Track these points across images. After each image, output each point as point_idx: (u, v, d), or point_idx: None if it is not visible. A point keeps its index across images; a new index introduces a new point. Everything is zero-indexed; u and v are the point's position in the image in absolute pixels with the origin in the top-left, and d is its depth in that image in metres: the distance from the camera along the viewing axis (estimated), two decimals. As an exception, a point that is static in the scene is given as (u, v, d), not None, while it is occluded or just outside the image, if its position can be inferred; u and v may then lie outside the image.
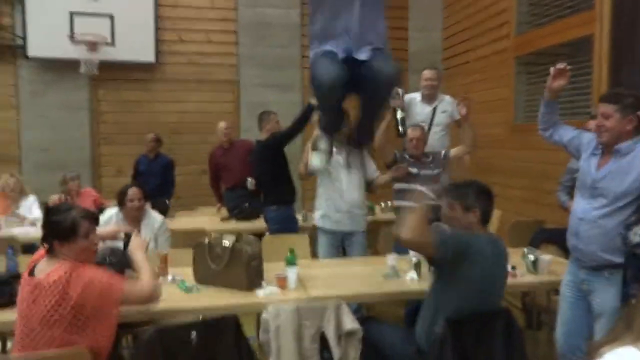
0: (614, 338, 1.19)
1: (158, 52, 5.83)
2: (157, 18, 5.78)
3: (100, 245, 2.37)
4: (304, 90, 6.14)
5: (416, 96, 4.21)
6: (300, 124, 3.67)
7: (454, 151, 3.53)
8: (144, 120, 5.92)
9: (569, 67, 2.40)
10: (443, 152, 3.53)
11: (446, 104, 4.13)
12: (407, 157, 3.54)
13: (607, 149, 2.21)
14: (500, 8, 5.02)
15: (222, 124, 4.96)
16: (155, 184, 5.14)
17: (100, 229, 2.25)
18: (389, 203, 4.96)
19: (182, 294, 2.46)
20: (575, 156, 2.45)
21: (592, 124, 2.69)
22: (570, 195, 3.04)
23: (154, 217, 3.28)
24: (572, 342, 2.34)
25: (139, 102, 5.93)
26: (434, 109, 4.09)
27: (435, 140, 4.00)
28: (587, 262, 2.23)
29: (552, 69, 2.38)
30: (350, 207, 3.40)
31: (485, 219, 2.21)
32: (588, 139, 2.35)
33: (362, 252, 3.49)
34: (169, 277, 2.65)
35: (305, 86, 6.14)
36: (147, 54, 5.76)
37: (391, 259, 2.74)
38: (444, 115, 4.07)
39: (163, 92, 5.99)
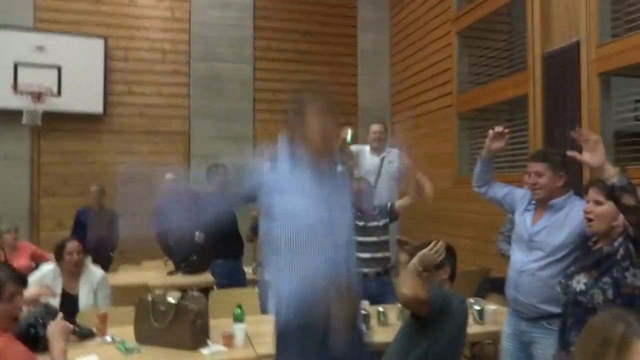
0: None
1: (106, 103, 5.75)
2: (107, 70, 5.74)
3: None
4: (255, 142, 6.19)
5: (365, 148, 4.35)
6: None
7: (399, 203, 3.60)
8: (89, 172, 5.73)
9: (507, 127, 2.53)
10: (389, 204, 3.59)
11: (394, 155, 4.25)
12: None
13: (541, 204, 2.31)
14: (443, 68, 5.33)
15: (168, 176, 4.85)
16: (100, 236, 4.94)
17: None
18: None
19: (121, 356, 2.32)
20: (509, 211, 2.56)
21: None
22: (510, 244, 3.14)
23: (94, 271, 3.13)
24: None
25: (84, 152, 5.77)
26: (382, 160, 4.21)
27: (384, 189, 4.08)
28: (527, 314, 2.28)
29: (491, 132, 2.49)
30: None
31: (453, 276, 2.24)
32: (521, 194, 2.47)
33: None
34: (108, 338, 2.50)
35: (257, 139, 6.20)
36: (95, 105, 5.66)
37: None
38: (391, 166, 4.19)
39: (111, 143, 5.86)
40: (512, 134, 4.49)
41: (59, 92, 5.44)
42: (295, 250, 1.73)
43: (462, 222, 4.94)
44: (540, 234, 2.26)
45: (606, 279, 1.85)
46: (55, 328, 1.96)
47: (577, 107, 3.53)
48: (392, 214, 3.49)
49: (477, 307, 2.73)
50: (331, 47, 6.54)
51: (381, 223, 3.43)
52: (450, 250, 2.23)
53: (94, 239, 4.85)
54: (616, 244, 1.88)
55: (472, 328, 2.68)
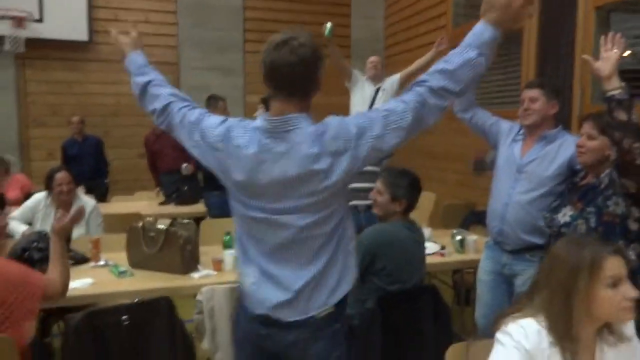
0: (517, 309, 1.29)
1: (92, 31, 5.56)
2: (91, -6, 5.51)
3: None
4: (246, 74, 6.08)
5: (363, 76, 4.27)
6: None
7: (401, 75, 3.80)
8: (77, 102, 5.66)
9: (501, 62, 2.47)
10: None
11: (385, 83, 4.17)
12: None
13: (531, 134, 2.30)
14: (439, -1, 5.17)
15: None
16: (90, 166, 5.00)
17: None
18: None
19: (114, 278, 2.41)
20: (491, 143, 2.52)
21: None
22: None
23: (85, 201, 3.17)
24: (489, 322, 2.46)
25: (71, 82, 5.66)
26: (377, 90, 4.16)
27: None
28: (511, 245, 2.32)
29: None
30: None
31: (409, 210, 2.29)
32: (508, 126, 2.46)
33: None
34: (101, 262, 2.58)
35: (246, 71, 6.08)
36: (79, 32, 5.49)
37: None
38: (382, 94, 4.12)
39: (98, 73, 5.74)
40: (503, 69, 4.46)
41: (41, 18, 5.25)
42: None
43: (450, 157, 4.99)
44: (530, 165, 2.25)
45: (590, 209, 1.87)
46: (57, 225, 1.98)
47: (571, 42, 3.48)
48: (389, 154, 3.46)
49: (458, 237, 2.83)
50: (325, -25, 6.28)
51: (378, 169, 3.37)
52: (415, 188, 2.27)
53: (85, 169, 4.90)
54: (603, 175, 1.89)
55: (453, 257, 2.80)
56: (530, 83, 2.38)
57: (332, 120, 1.38)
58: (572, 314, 1.20)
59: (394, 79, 4.16)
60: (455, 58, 1.34)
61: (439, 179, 5.13)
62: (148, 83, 1.63)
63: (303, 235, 1.41)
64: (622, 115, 1.70)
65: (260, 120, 1.42)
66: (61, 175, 3.01)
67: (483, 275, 2.47)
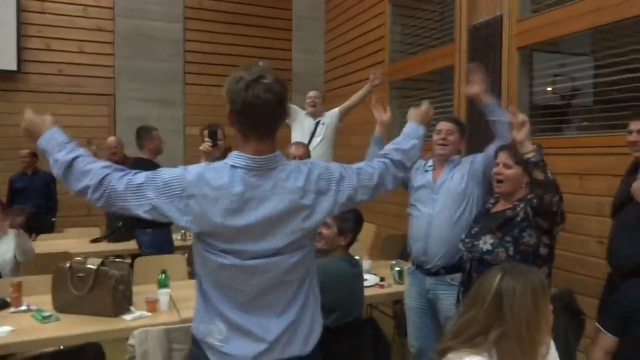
0: (466, 344, 1.30)
1: (21, 60, 5.32)
2: (20, 23, 5.29)
3: None
4: (186, 106, 6.00)
5: (302, 111, 4.36)
6: None
7: (339, 109, 3.81)
8: (5, 135, 5.34)
9: (435, 97, 2.69)
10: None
11: (325, 117, 4.28)
12: None
13: (439, 164, 2.62)
14: (377, 36, 5.37)
15: (111, 140, 4.68)
16: (38, 201, 4.77)
17: None
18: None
19: (37, 324, 2.25)
20: (406, 187, 2.78)
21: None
22: None
23: (10, 232, 3.00)
24: (426, 346, 2.59)
25: (-2, 114, 5.35)
26: (317, 124, 4.25)
27: (316, 150, 4.13)
28: (432, 265, 2.49)
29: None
30: None
31: (352, 243, 2.35)
32: (414, 167, 2.72)
33: None
34: (23, 306, 2.40)
35: (187, 103, 6.00)
36: (8, 62, 5.24)
37: None
38: (322, 128, 4.23)
39: (27, 104, 5.43)
40: (439, 103, 4.66)
41: (-35, 46, 4.98)
42: None
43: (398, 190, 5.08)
44: (443, 186, 2.54)
45: (508, 238, 2.05)
46: None
47: (497, 79, 3.69)
48: None
49: (397, 269, 2.87)
50: (266, 10, 6.38)
51: None
52: (360, 223, 2.36)
53: (31, 204, 4.68)
54: (518, 209, 2.08)
55: (393, 288, 2.83)
56: (447, 118, 2.71)
57: (318, 162, 1.47)
58: (537, 340, 1.26)
59: (334, 113, 4.27)
60: (404, 144, 1.70)
61: (380, 211, 5.22)
62: (74, 159, 1.40)
63: (279, 281, 1.40)
64: (539, 175, 1.91)
65: (236, 159, 1.37)
66: None
67: (410, 302, 2.63)
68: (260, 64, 1.40)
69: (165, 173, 1.38)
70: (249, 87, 1.31)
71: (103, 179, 1.35)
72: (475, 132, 3.88)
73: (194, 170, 1.38)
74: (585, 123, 3.49)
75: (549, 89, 3.71)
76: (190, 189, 1.34)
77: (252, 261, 1.37)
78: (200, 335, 1.44)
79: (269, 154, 1.37)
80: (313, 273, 1.50)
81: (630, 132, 2.34)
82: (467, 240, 2.18)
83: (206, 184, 1.34)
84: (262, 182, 1.35)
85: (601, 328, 2.01)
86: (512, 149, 2.11)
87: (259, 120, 1.35)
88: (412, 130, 1.78)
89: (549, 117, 3.55)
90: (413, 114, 1.86)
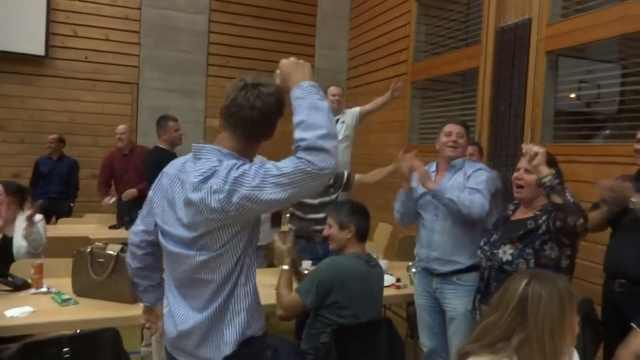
0: (486, 350, 1.28)
1: (49, 46, 5.41)
2: (50, 9, 5.37)
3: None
4: (208, 98, 6.04)
5: None
6: None
7: (360, 177, 3.48)
8: (29, 118, 5.45)
9: (457, 98, 2.65)
10: (346, 174, 3.44)
11: (345, 115, 4.24)
12: None
13: (441, 168, 2.62)
14: (401, 35, 5.34)
15: (120, 127, 4.71)
16: (59, 186, 4.88)
17: None
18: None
19: (56, 306, 2.28)
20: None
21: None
22: None
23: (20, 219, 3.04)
24: (435, 343, 2.61)
25: (23, 97, 5.44)
26: (336, 121, 4.21)
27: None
28: (439, 269, 2.50)
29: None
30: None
31: (361, 235, 2.32)
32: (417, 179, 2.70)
33: (260, 264, 3.46)
34: (43, 288, 2.44)
35: (208, 94, 6.04)
36: (36, 47, 5.32)
37: (306, 263, 2.81)
38: (342, 127, 4.19)
39: (53, 89, 5.56)
40: (462, 105, 4.62)
41: (-5, 30, 5.08)
42: None
43: (408, 189, 5.06)
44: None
45: (529, 250, 2.00)
46: None
47: (523, 83, 3.65)
48: (347, 185, 3.44)
49: (413, 270, 2.85)
50: (290, 4, 6.38)
51: (333, 197, 3.32)
52: (358, 211, 2.33)
53: (52, 189, 4.77)
54: (540, 220, 2.03)
55: (408, 289, 2.82)
56: (455, 121, 2.65)
57: (229, 162, 1.34)
58: (560, 349, 1.23)
59: (354, 112, 4.23)
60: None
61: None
62: None
63: (193, 276, 1.41)
64: (557, 199, 1.85)
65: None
66: None
67: (419, 300, 2.66)
68: (276, 73, 1.42)
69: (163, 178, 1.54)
70: (244, 87, 1.38)
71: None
72: (497, 136, 3.86)
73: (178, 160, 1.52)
74: (607, 131, 3.43)
75: (572, 95, 3.65)
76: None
77: (173, 247, 1.44)
78: None
79: (209, 146, 1.40)
80: (244, 280, 1.43)
81: (639, 141, 2.30)
82: (485, 248, 2.15)
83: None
84: (190, 167, 1.41)
85: (636, 327, 1.97)
86: (461, 122, 2.17)
87: (232, 119, 1.40)
88: (298, 96, 1.34)
89: (574, 124, 3.50)
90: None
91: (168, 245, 1.46)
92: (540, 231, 2.01)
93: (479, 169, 2.54)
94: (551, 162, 2.01)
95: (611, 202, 2.26)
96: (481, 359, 1.25)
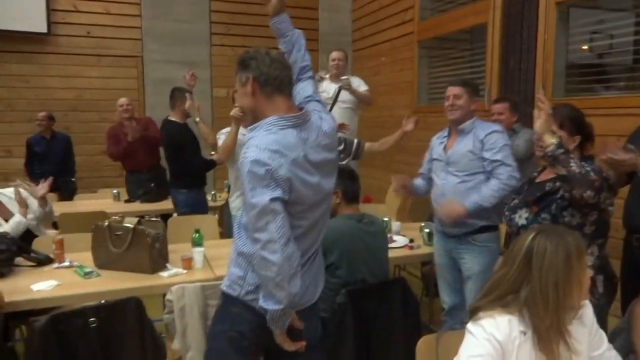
0: (496, 303, 1.30)
1: (50, 23, 5.36)
2: (49, -16, 5.30)
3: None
4: (212, 67, 5.98)
5: (325, 75, 4.29)
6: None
7: (369, 146, 3.52)
8: (35, 97, 5.46)
9: (465, 56, 2.57)
10: (356, 142, 3.50)
11: (352, 81, 4.19)
12: None
13: (453, 132, 2.58)
14: (405, -7, 5.21)
15: (123, 100, 4.63)
16: (56, 164, 4.82)
17: None
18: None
19: (80, 279, 2.34)
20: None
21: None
22: None
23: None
24: (456, 299, 2.66)
25: (28, 76, 5.44)
26: (339, 87, 4.17)
27: (339, 114, 4.03)
28: (453, 232, 2.52)
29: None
30: None
31: (348, 198, 2.33)
32: (432, 145, 2.73)
33: None
34: (66, 262, 2.50)
35: (213, 64, 5.98)
36: (37, 24, 5.27)
37: None
38: (346, 93, 4.15)
39: (57, 66, 5.54)
40: (469, 62, 4.54)
41: (-4, 8, 5.03)
42: None
43: (417, 151, 5.02)
44: (453, 157, 2.51)
45: (545, 215, 1.90)
46: None
47: (533, 36, 3.57)
48: (357, 154, 3.45)
49: (426, 230, 2.88)
50: (291, -33, 6.22)
51: (344, 163, 3.32)
52: (344, 175, 2.28)
53: (52, 168, 4.75)
54: (558, 182, 1.89)
55: (422, 249, 2.85)
56: (454, 82, 2.61)
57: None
58: (564, 303, 1.23)
59: (357, 82, 4.17)
60: None
61: (408, 173, 5.18)
62: None
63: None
64: (561, 170, 1.77)
65: (289, 120, 1.47)
66: None
67: (438, 259, 2.70)
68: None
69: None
70: (267, 54, 1.51)
71: None
72: (507, 92, 3.80)
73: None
74: (622, 83, 3.36)
75: (584, 47, 3.56)
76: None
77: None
78: None
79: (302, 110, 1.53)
80: (240, 230, 1.60)
81: None
82: (506, 213, 2.07)
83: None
84: (304, 133, 1.49)
85: None
86: (555, 112, 1.92)
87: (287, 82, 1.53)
88: None
89: (586, 77, 3.43)
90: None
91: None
92: (559, 195, 1.88)
93: (492, 131, 2.45)
94: (572, 118, 1.92)
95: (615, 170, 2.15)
96: (491, 313, 1.27)
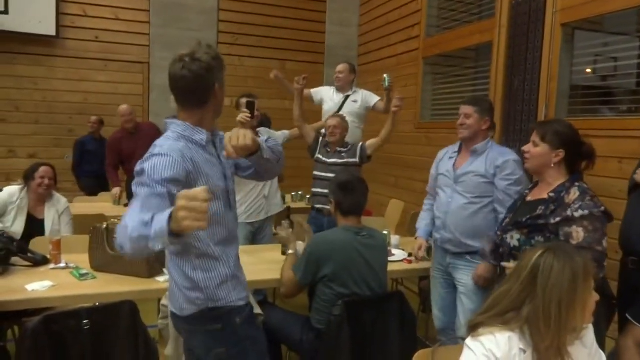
0: (495, 320, 1.29)
1: (59, 26, 5.41)
2: (59, -12, 5.37)
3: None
4: (219, 76, 6.01)
5: (331, 87, 4.34)
6: None
7: (370, 143, 3.56)
8: (42, 98, 5.49)
9: (469, 74, 2.58)
10: (360, 144, 3.56)
11: (358, 95, 4.24)
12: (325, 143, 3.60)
13: (466, 147, 2.55)
14: (413, 9, 5.25)
15: (124, 108, 4.62)
16: (102, 165, 4.93)
17: None
18: (299, 193, 5.06)
19: (75, 281, 2.34)
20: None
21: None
22: None
23: (58, 198, 3.14)
24: (447, 317, 2.65)
25: (36, 78, 5.48)
26: (345, 98, 4.21)
27: None
28: (453, 250, 2.53)
29: None
30: (269, 195, 3.46)
31: (342, 210, 2.34)
32: (439, 158, 2.73)
33: (270, 239, 3.51)
34: (62, 264, 2.50)
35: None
36: (47, 27, 5.33)
37: (300, 245, 2.79)
38: (354, 105, 4.19)
39: (65, 70, 5.58)
40: (473, 81, 4.56)
41: (6, 10, 5.08)
42: None
43: (419, 166, 5.05)
44: (464, 177, 2.48)
45: (538, 238, 1.89)
46: None
47: (538, 56, 3.59)
48: (362, 155, 3.49)
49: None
50: (301, -20, 6.30)
51: (342, 160, 3.46)
52: (340, 188, 2.35)
53: (99, 166, 4.95)
54: (548, 211, 1.88)
55: (420, 264, 2.84)
56: (466, 101, 2.59)
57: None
58: (566, 324, 1.21)
59: (363, 95, 4.22)
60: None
61: (407, 188, 5.20)
62: None
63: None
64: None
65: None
66: (45, 169, 3.01)
67: (435, 273, 2.71)
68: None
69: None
70: (173, 62, 1.56)
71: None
72: (511, 111, 3.81)
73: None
74: (621, 106, 3.37)
75: (588, 70, 3.58)
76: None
77: None
78: None
79: (170, 119, 1.65)
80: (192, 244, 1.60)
81: None
82: (498, 233, 2.09)
83: None
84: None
85: (632, 320, 1.96)
86: (540, 125, 2.01)
87: (176, 93, 1.58)
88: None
89: (589, 98, 3.44)
90: None
91: None
92: (550, 223, 1.86)
93: (510, 159, 2.40)
94: (557, 132, 1.93)
95: None
96: (491, 329, 1.26)
